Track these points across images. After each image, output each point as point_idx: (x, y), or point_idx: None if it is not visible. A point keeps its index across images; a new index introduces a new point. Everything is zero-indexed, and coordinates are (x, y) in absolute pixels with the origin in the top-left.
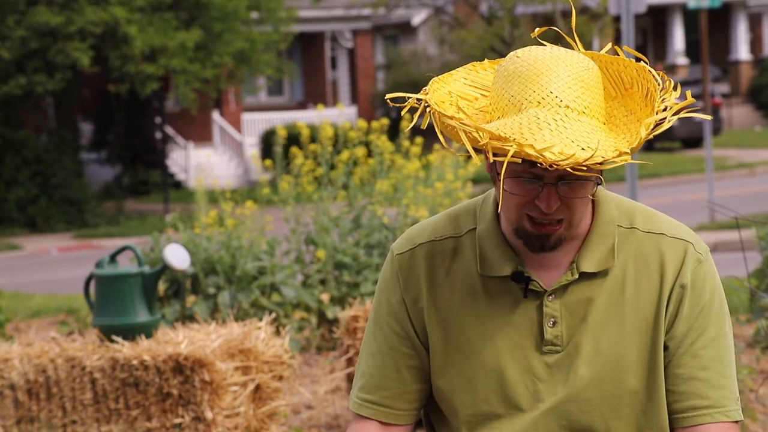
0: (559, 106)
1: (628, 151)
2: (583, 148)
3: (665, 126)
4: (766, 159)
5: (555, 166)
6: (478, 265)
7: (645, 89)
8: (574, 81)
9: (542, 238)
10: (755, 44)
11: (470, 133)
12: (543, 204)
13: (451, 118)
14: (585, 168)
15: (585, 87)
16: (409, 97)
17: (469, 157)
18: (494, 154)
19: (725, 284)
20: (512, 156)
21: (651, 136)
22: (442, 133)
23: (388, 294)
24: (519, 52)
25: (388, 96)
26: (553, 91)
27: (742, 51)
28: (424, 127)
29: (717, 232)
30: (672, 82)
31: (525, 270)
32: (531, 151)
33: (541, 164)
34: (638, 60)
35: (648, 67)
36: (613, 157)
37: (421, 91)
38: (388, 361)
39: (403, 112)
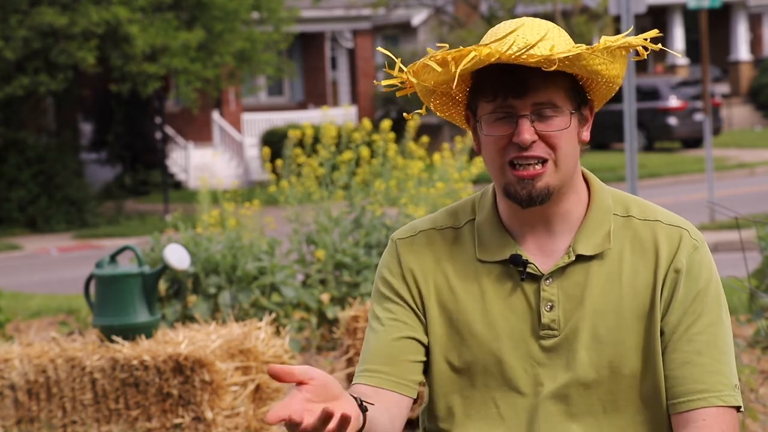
0: (521, 37)
1: (582, 50)
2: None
3: (619, 41)
4: (766, 159)
5: (502, 60)
6: (477, 251)
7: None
8: (539, 26)
9: (529, 185)
10: (755, 44)
11: (436, 57)
12: (520, 137)
13: (421, 66)
14: (541, 59)
15: (551, 31)
16: (398, 68)
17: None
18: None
19: (725, 284)
20: (472, 59)
21: (608, 44)
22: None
23: (389, 276)
24: None
25: (378, 49)
26: (515, 30)
27: (742, 51)
28: (399, 96)
29: (717, 232)
30: None
31: (523, 254)
32: (487, 50)
33: (499, 65)
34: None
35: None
36: (569, 49)
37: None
38: (390, 330)
39: (384, 83)
